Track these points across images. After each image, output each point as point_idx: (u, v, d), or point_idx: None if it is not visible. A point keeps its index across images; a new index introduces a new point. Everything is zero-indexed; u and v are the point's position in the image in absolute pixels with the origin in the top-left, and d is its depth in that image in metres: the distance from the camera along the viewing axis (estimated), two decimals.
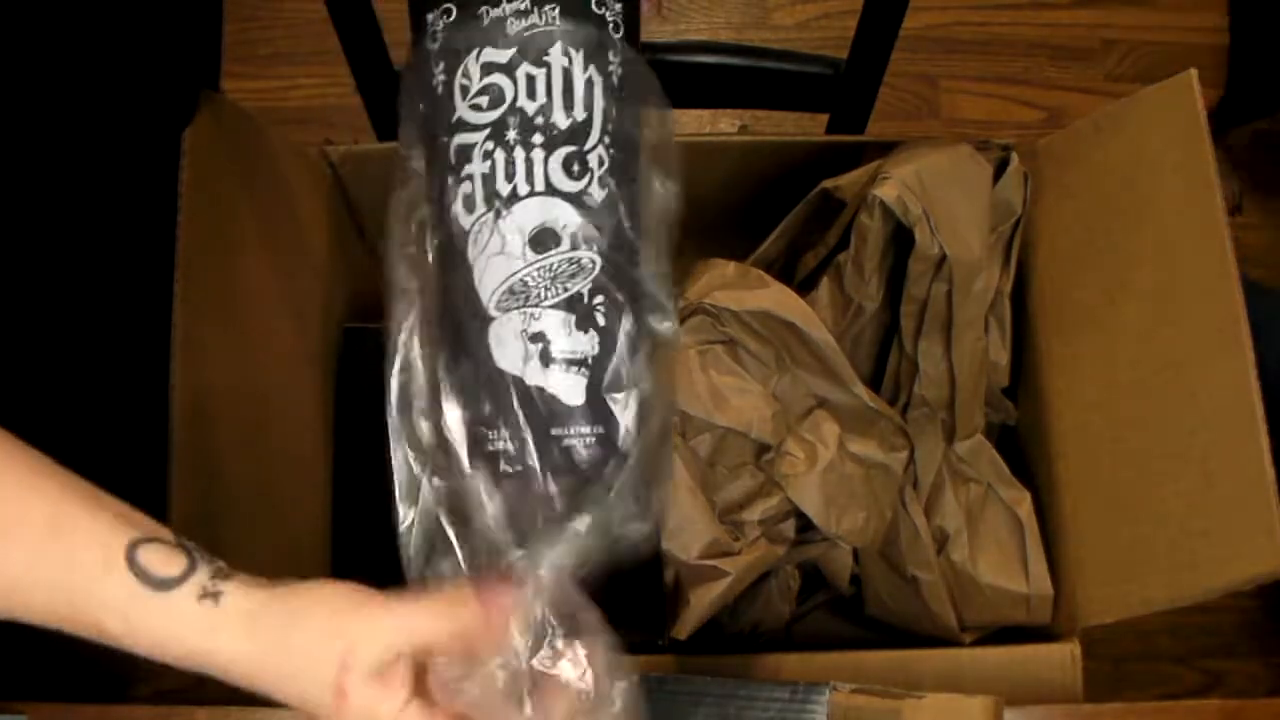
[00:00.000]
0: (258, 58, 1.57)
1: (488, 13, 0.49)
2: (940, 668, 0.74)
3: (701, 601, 0.73)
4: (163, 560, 0.48)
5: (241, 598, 0.48)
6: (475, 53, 0.49)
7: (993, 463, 0.82)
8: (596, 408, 0.49)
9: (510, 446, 0.49)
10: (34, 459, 0.49)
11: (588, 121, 0.49)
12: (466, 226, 0.50)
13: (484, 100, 0.49)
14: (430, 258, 0.52)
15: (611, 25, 0.51)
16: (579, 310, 0.49)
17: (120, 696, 1.34)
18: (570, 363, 0.49)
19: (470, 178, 0.49)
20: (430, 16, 0.51)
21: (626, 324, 0.50)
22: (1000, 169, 0.80)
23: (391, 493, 0.51)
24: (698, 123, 1.56)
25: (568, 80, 0.49)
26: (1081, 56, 1.62)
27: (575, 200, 0.49)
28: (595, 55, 0.50)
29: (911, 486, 0.80)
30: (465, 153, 0.50)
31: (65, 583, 0.48)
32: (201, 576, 0.48)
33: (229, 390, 0.69)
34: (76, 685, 1.33)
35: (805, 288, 0.81)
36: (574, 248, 0.49)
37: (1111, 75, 1.61)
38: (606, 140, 0.50)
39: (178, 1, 0.63)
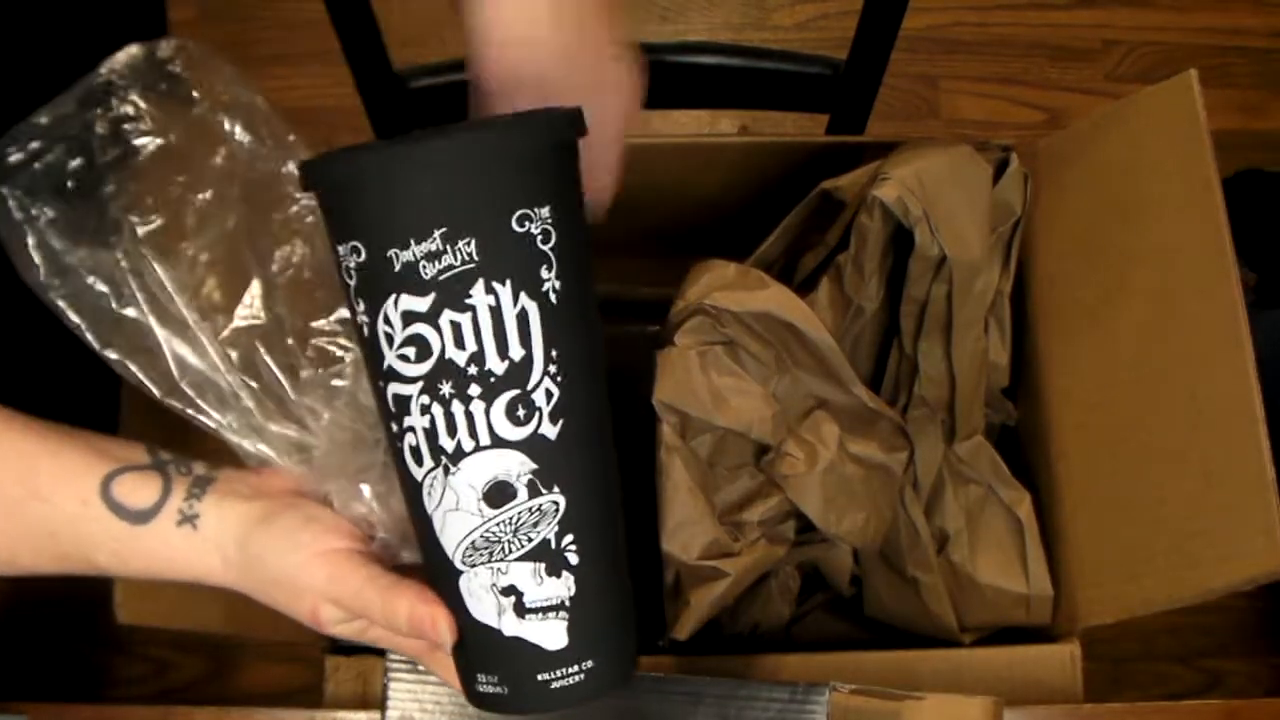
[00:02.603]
0: (258, 58, 1.57)
1: (397, 257, 0.43)
2: (940, 668, 0.74)
3: (701, 602, 0.73)
4: (136, 489, 0.49)
5: (217, 522, 0.49)
6: (393, 299, 0.44)
7: (993, 463, 0.82)
8: (580, 645, 0.47)
9: (503, 690, 0.48)
10: (3, 419, 0.49)
11: (527, 359, 0.45)
12: (418, 478, 0.47)
13: (410, 352, 0.45)
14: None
15: (540, 235, 0.44)
16: (548, 557, 0.47)
17: (119, 696, 1.34)
18: (547, 610, 0.47)
19: (412, 429, 0.46)
20: (341, 250, 0.45)
21: (605, 553, 0.48)
22: (1000, 169, 0.80)
23: None
24: (697, 123, 1.56)
25: (497, 321, 0.44)
26: (1081, 56, 1.62)
27: (525, 446, 0.45)
28: (525, 281, 0.44)
29: (911, 487, 0.80)
30: (403, 404, 0.46)
31: (48, 534, 0.49)
32: (176, 500, 0.49)
33: None
34: (76, 685, 1.34)
35: (805, 288, 0.81)
36: (533, 495, 0.46)
37: (1111, 75, 1.62)
38: (551, 370, 0.45)
39: None
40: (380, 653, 0.70)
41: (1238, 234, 0.68)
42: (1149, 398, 0.73)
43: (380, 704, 0.67)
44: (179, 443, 0.52)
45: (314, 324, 0.51)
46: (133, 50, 0.48)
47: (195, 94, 0.50)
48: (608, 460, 0.49)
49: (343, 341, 0.51)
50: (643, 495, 0.75)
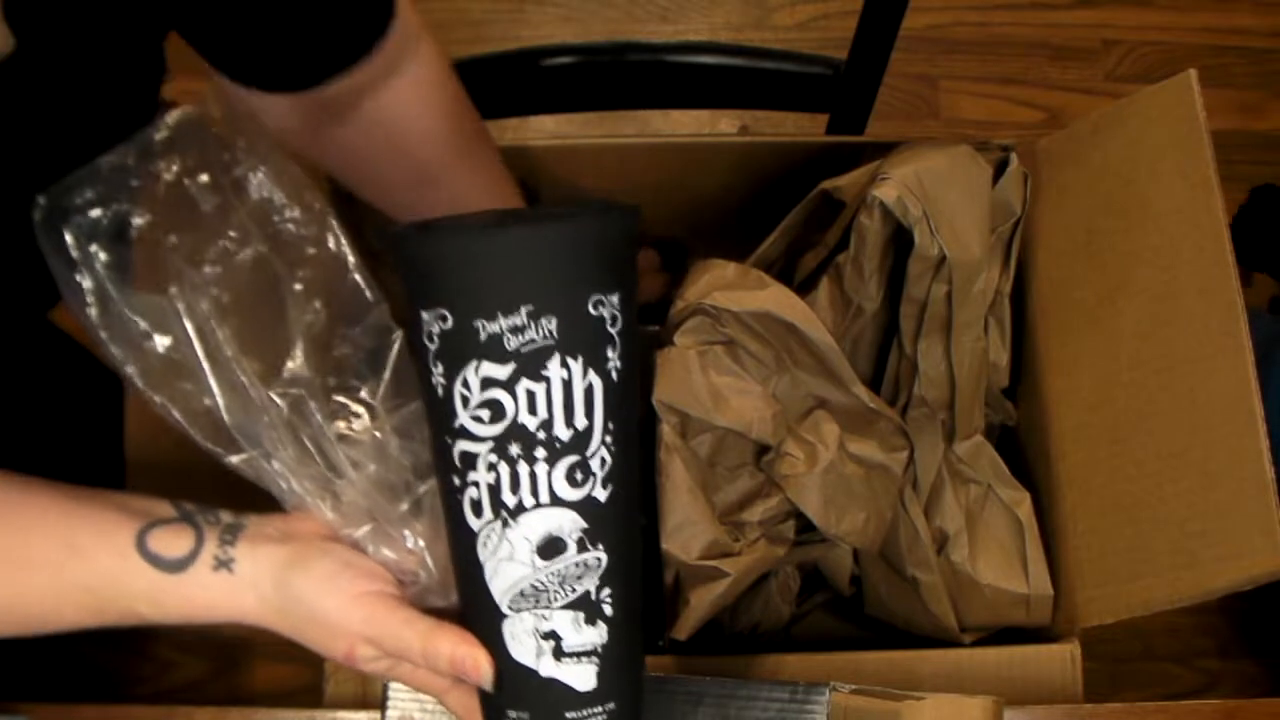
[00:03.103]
0: None
1: (484, 327, 0.47)
2: (940, 668, 0.74)
3: (702, 602, 0.73)
4: (170, 541, 0.51)
5: (252, 565, 0.52)
6: (474, 365, 0.48)
7: (993, 463, 0.82)
8: (605, 688, 0.52)
9: None
10: (35, 489, 0.52)
11: (589, 428, 0.49)
12: (475, 529, 0.50)
13: (485, 414, 0.49)
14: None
15: (609, 319, 0.49)
16: (588, 607, 0.51)
17: (120, 696, 1.34)
18: (582, 655, 0.51)
19: (476, 484, 0.50)
20: (425, 316, 0.49)
21: (634, 606, 0.52)
22: (1000, 169, 0.80)
23: None
24: (697, 123, 1.56)
25: (568, 393, 0.49)
26: (1081, 56, 1.62)
27: (579, 507, 0.50)
28: (593, 359, 0.49)
29: (911, 487, 0.80)
30: (470, 460, 0.50)
31: (89, 590, 0.52)
32: (211, 547, 0.52)
33: None
34: (76, 685, 1.33)
35: (805, 288, 0.81)
36: (581, 551, 0.50)
37: (1111, 75, 1.62)
38: (608, 440, 0.50)
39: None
40: None
41: (1258, 249, 0.68)
42: (1149, 398, 0.73)
43: (380, 704, 0.67)
44: (182, 486, 0.55)
45: (332, 380, 0.54)
46: (187, 110, 0.51)
47: (238, 155, 0.52)
48: (638, 521, 0.53)
49: (364, 396, 0.54)
50: (643, 495, 0.75)
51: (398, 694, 0.67)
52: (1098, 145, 0.79)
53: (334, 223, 0.53)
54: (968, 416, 0.80)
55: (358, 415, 0.54)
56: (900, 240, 0.77)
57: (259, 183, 0.53)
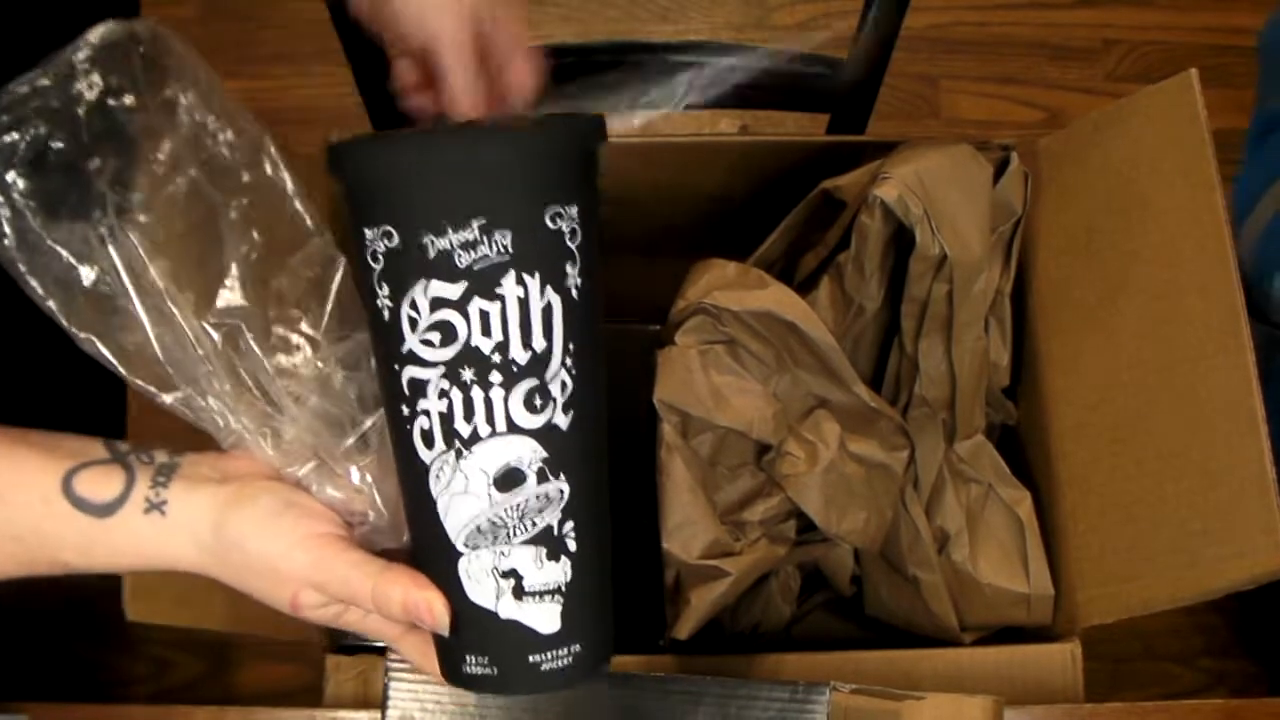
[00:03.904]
0: (258, 58, 1.57)
1: (432, 243, 0.44)
2: (940, 668, 0.74)
3: (702, 601, 0.73)
4: (99, 483, 0.48)
5: (186, 507, 0.48)
6: (423, 285, 0.45)
7: (993, 463, 0.82)
8: (570, 629, 0.49)
9: (492, 671, 0.49)
10: None
11: (548, 350, 0.46)
12: (427, 462, 0.47)
13: (435, 337, 0.46)
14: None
15: (568, 233, 0.46)
16: (550, 543, 0.48)
17: (118, 696, 1.34)
18: (544, 594, 0.48)
19: (427, 413, 0.47)
20: (369, 234, 0.46)
21: (599, 541, 0.49)
22: (1000, 169, 0.80)
23: None
24: (697, 123, 1.56)
25: (524, 312, 0.45)
26: (1081, 56, 1.62)
27: (539, 435, 0.47)
28: (552, 274, 0.46)
29: (912, 486, 0.80)
30: (419, 387, 0.46)
31: (15, 539, 0.48)
32: (142, 488, 0.48)
33: None
34: (74, 685, 1.33)
35: (805, 288, 0.81)
36: (541, 482, 0.47)
37: (1111, 75, 1.62)
38: (568, 363, 0.47)
39: None
40: (381, 652, 0.70)
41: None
42: (1149, 398, 0.73)
43: (380, 704, 0.67)
44: (186, 439, 0.52)
45: (274, 312, 0.51)
46: (111, 27, 0.48)
47: (164, 77, 0.49)
48: (605, 450, 0.50)
49: (305, 328, 0.51)
50: (643, 495, 0.75)
51: (398, 694, 0.67)
52: (1098, 145, 0.79)
53: (271, 147, 0.51)
54: (968, 416, 0.80)
55: (299, 348, 0.51)
56: (901, 240, 0.77)
57: (190, 104, 0.49)
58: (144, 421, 0.55)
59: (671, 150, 0.87)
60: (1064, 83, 1.61)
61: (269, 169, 0.51)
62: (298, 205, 0.51)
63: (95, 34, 0.48)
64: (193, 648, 1.33)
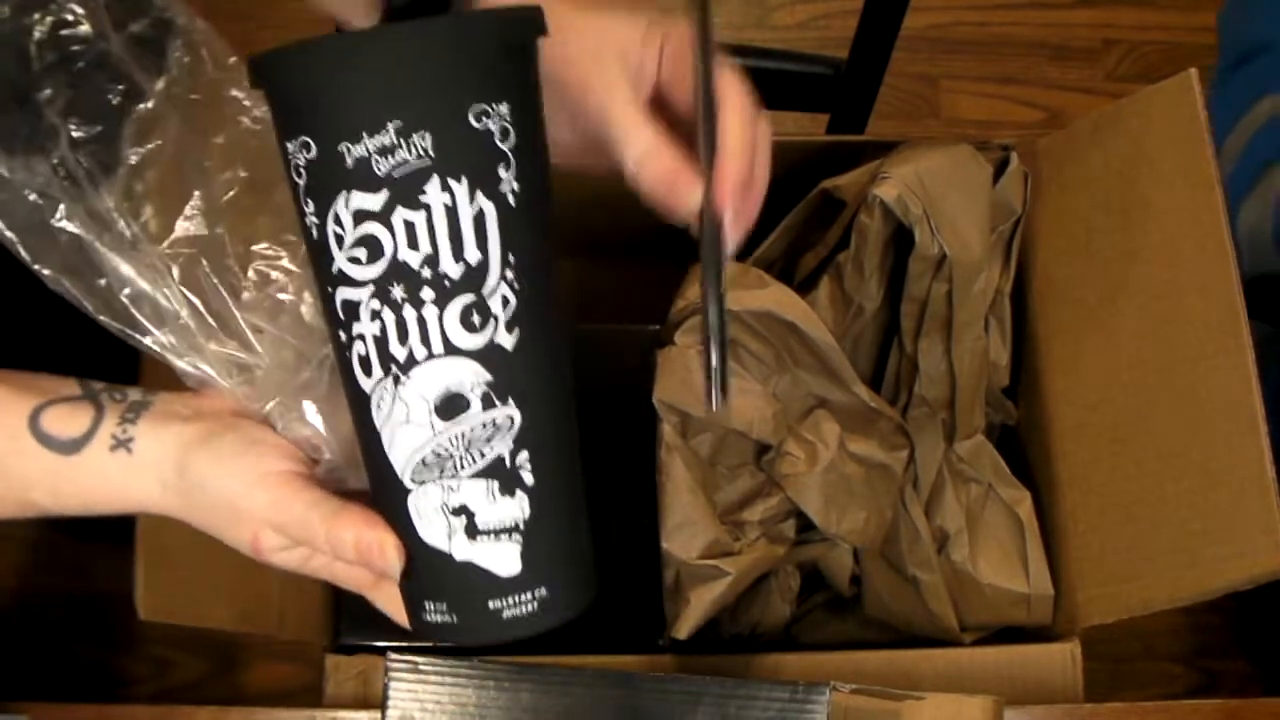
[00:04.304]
0: None
1: (349, 151, 0.41)
2: (940, 668, 0.74)
3: (702, 601, 0.73)
4: (67, 419, 0.47)
5: (152, 445, 0.47)
6: (344, 197, 0.42)
7: (993, 463, 0.82)
8: (533, 572, 0.45)
9: (451, 618, 0.46)
10: None
11: (483, 262, 0.42)
12: (367, 390, 0.44)
13: (361, 253, 0.42)
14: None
15: (499, 132, 0.42)
16: (502, 475, 0.44)
17: (119, 696, 1.34)
18: (499, 532, 0.44)
19: (362, 337, 0.43)
20: (290, 147, 0.43)
21: (561, 475, 0.46)
22: (1000, 169, 0.80)
23: None
24: None
25: (453, 221, 0.42)
26: (1081, 56, 1.62)
27: (481, 356, 0.43)
28: (482, 179, 0.42)
29: (912, 486, 0.80)
30: (352, 309, 0.43)
31: None
32: (109, 425, 0.47)
33: None
34: (75, 685, 1.34)
35: (805, 288, 0.81)
36: (487, 408, 0.43)
37: (1111, 75, 1.62)
38: (509, 275, 0.43)
39: None
40: (381, 652, 0.70)
41: None
42: (1149, 398, 0.73)
43: (380, 704, 0.67)
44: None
45: (255, 247, 0.49)
46: None
47: (134, 13, 0.48)
48: (565, 377, 0.46)
49: (285, 264, 0.49)
50: (643, 495, 0.75)
51: (398, 694, 0.67)
52: (1098, 145, 0.79)
53: None
54: (968, 416, 0.80)
55: (276, 282, 0.49)
56: (901, 239, 0.77)
57: (170, 41, 0.48)
58: (155, 376, 0.53)
59: None
60: (1064, 83, 1.61)
61: (259, 108, 0.49)
62: None
63: None
64: (194, 648, 1.34)
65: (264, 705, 0.72)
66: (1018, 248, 0.81)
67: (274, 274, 0.49)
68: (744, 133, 0.46)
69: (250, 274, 0.49)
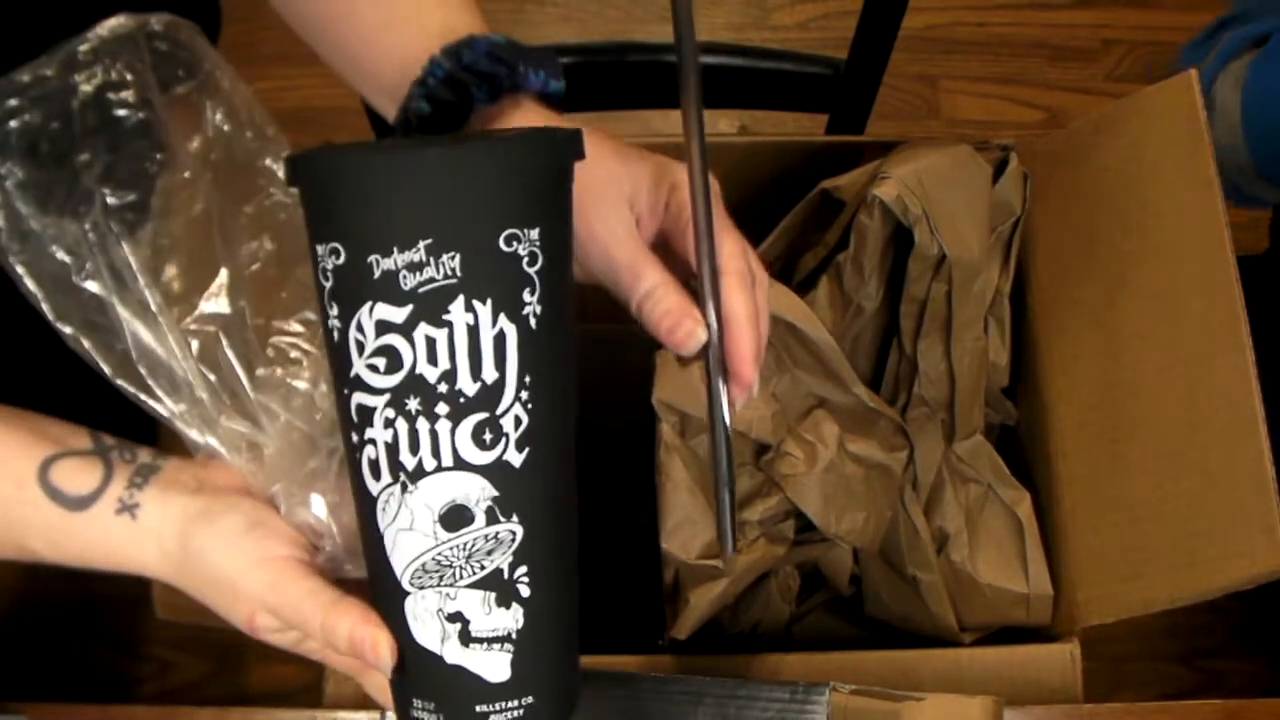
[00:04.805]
0: (258, 58, 1.56)
1: (378, 263, 0.41)
2: (940, 668, 0.74)
3: (701, 601, 0.73)
4: (76, 475, 0.47)
5: (157, 513, 0.47)
6: (369, 307, 0.42)
7: (993, 463, 0.82)
8: (521, 680, 0.46)
9: (437, 718, 0.47)
10: None
11: (499, 382, 0.43)
12: (374, 493, 0.45)
13: (381, 363, 0.43)
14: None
15: (527, 257, 0.43)
16: (499, 587, 0.45)
17: (120, 697, 1.34)
18: (492, 641, 0.45)
19: (373, 442, 0.44)
20: (319, 250, 0.43)
21: (557, 589, 0.47)
22: (1000, 169, 0.80)
23: None
24: None
25: (474, 341, 0.42)
26: (1081, 56, 1.62)
27: (489, 472, 0.44)
28: (506, 302, 0.43)
29: (911, 486, 0.80)
30: (366, 415, 0.44)
31: None
32: (117, 488, 0.47)
33: None
34: (76, 685, 1.34)
35: (805, 288, 0.81)
36: (490, 523, 0.44)
37: (1111, 75, 1.62)
38: (523, 396, 0.44)
39: None
40: None
41: None
42: (1149, 398, 0.73)
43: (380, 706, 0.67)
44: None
45: (276, 323, 0.50)
46: (122, 20, 0.47)
47: (180, 73, 0.48)
48: (569, 494, 0.47)
49: (304, 345, 0.50)
50: (643, 495, 0.75)
51: None
52: (1098, 145, 0.79)
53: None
54: (968, 416, 0.80)
55: (295, 362, 0.50)
56: (900, 239, 0.77)
57: (206, 103, 0.48)
58: (170, 433, 0.53)
59: (672, 150, 0.87)
60: (1064, 83, 1.61)
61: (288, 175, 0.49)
62: None
63: (106, 25, 0.47)
64: (195, 648, 1.34)
65: (264, 705, 0.72)
66: (1017, 248, 0.81)
67: (293, 353, 0.50)
68: (748, 303, 0.49)
69: (269, 350, 0.50)
